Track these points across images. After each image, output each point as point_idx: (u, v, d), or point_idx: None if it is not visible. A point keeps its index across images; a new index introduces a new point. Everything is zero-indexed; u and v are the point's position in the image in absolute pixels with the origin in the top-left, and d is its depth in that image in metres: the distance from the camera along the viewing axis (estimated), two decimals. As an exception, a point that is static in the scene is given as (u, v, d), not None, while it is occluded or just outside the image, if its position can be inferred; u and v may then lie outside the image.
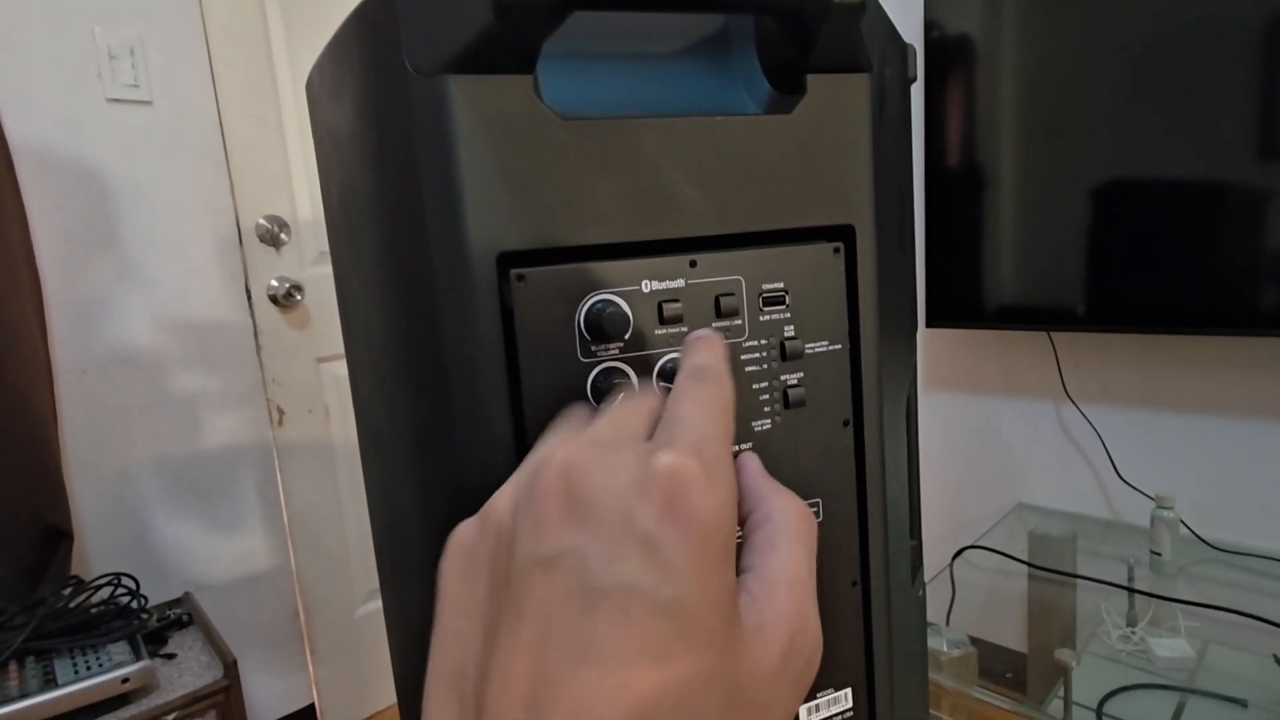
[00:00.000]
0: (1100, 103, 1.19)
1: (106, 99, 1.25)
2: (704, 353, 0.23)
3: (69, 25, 1.22)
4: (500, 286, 0.28)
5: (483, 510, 0.20)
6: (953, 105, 1.34)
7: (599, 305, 0.29)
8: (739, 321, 0.31)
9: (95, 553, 1.29)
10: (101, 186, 1.27)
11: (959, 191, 1.35)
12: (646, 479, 0.17)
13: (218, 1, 1.36)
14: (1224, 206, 1.10)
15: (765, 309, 0.32)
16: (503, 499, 0.20)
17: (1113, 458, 1.35)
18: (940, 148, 1.36)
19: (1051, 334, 1.38)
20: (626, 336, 0.29)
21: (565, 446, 0.19)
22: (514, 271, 0.28)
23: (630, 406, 0.23)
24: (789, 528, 0.20)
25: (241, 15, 1.40)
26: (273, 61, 1.44)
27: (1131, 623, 1.10)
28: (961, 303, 1.37)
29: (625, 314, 0.29)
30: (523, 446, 0.29)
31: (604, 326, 0.28)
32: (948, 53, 1.34)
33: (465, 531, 0.21)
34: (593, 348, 0.29)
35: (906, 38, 0.42)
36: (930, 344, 1.56)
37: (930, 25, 1.34)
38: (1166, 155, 1.14)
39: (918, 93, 1.37)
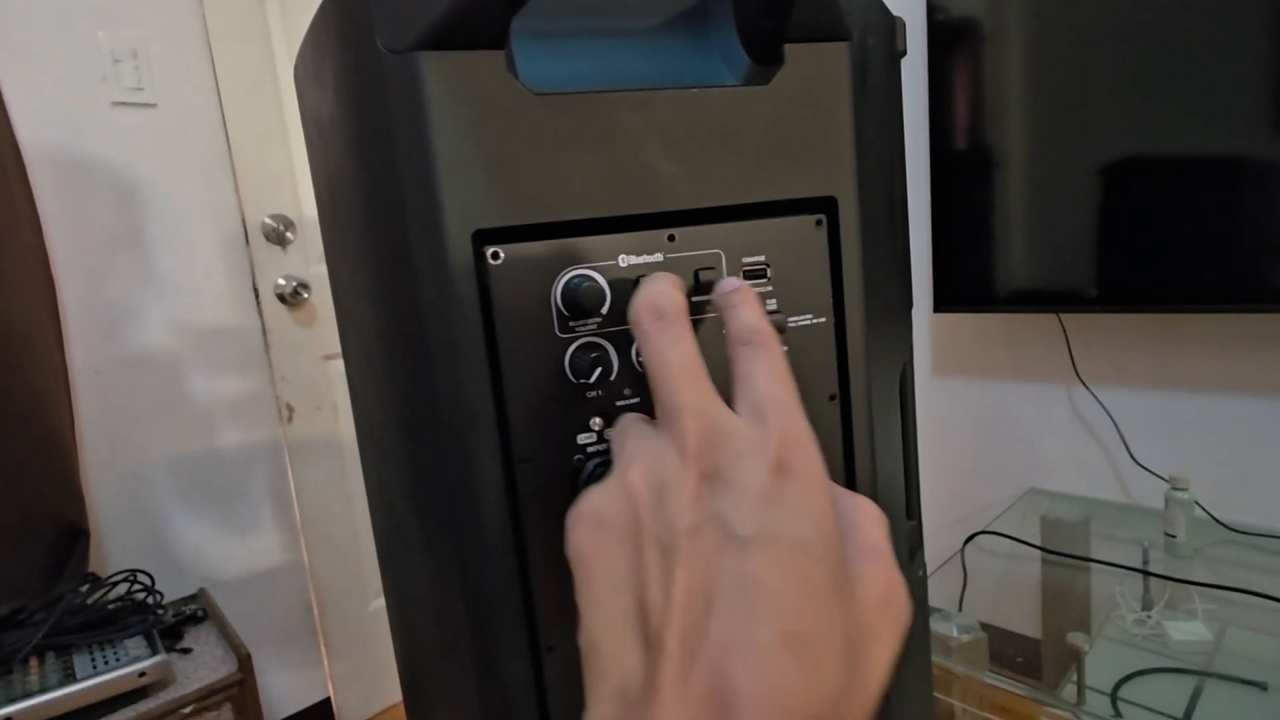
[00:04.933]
0: (1108, 78, 1.17)
1: (111, 103, 1.27)
2: (747, 311, 0.25)
3: (74, 29, 1.23)
4: (477, 264, 0.28)
5: (619, 485, 0.23)
6: (958, 87, 1.33)
7: (575, 281, 0.28)
8: (719, 295, 0.31)
9: (112, 550, 1.31)
10: (109, 189, 1.29)
11: (966, 174, 1.34)
12: (761, 452, 0.21)
13: (218, 3, 1.37)
14: (1237, 181, 1.08)
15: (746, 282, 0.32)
16: (634, 476, 0.23)
17: (1126, 440, 1.33)
18: (946, 130, 1.35)
19: (1061, 316, 1.36)
20: (604, 311, 0.29)
21: (685, 435, 0.22)
22: (490, 249, 0.28)
23: (703, 395, 0.24)
24: (869, 515, 0.24)
25: (242, 16, 1.40)
26: (274, 61, 1.45)
27: (1147, 606, 1.09)
28: (970, 287, 1.36)
29: (601, 289, 0.29)
30: (504, 421, 0.29)
31: (580, 302, 0.28)
32: (952, 34, 1.32)
33: (598, 503, 0.23)
34: (570, 323, 0.29)
35: (909, 21, 0.41)
36: (939, 329, 1.55)
37: (934, 8, 1.33)
38: (1177, 130, 1.12)
39: (922, 76, 1.36)
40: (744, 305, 0.26)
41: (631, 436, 0.24)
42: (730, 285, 0.27)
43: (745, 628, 0.19)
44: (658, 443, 0.23)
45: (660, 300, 0.24)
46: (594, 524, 0.23)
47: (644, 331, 0.24)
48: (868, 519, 0.23)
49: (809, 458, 0.22)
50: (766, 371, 0.24)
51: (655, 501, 0.22)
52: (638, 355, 0.29)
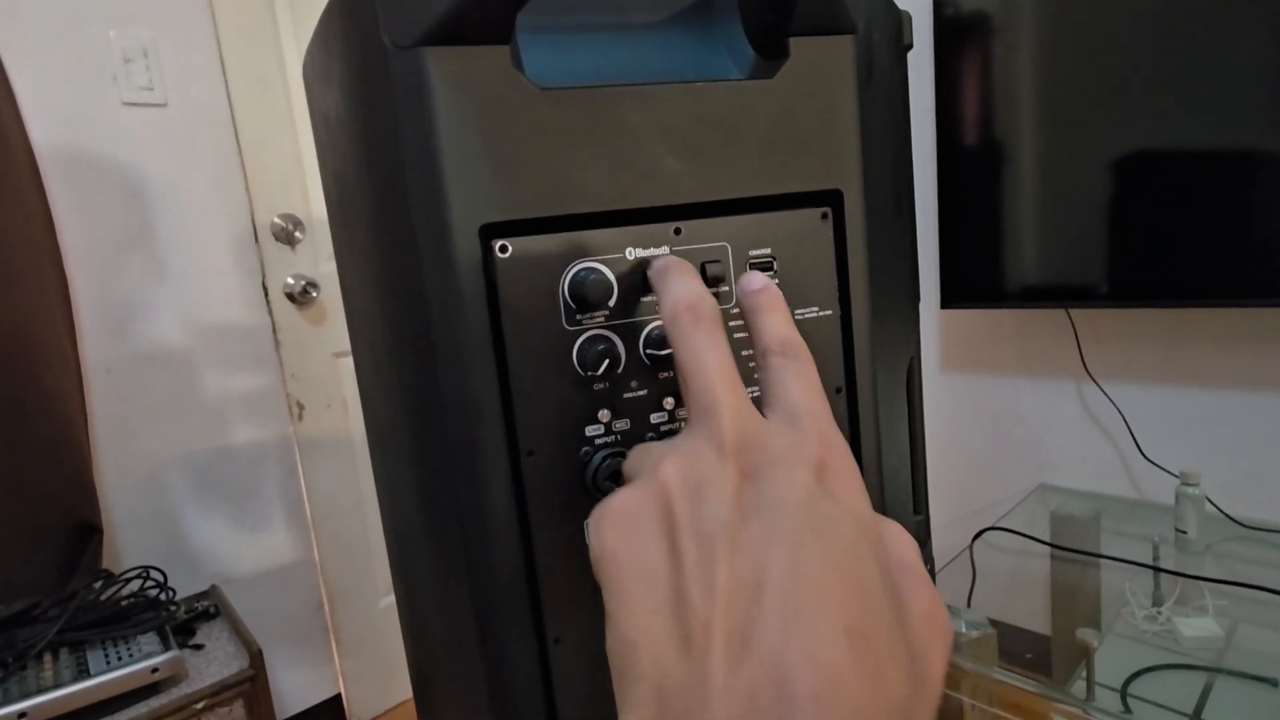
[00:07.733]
0: (1118, 72, 1.16)
1: (122, 102, 1.28)
2: (778, 321, 0.25)
3: (85, 29, 1.24)
4: (484, 257, 0.28)
5: (649, 481, 0.22)
6: (965, 81, 1.32)
7: (582, 273, 0.29)
8: (725, 288, 0.31)
9: (125, 547, 1.33)
10: (121, 188, 1.30)
11: (973, 169, 1.33)
12: (802, 455, 0.21)
13: (228, 3, 1.38)
14: (1248, 175, 1.07)
15: (752, 276, 0.32)
16: (668, 472, 0.21)
17: (1135, 436, 1.33)
18: (953, 125, 1.34)
19: (1070, 311, 1.35)
20: (611, 304, 0.29)
21: (723, 432, 0.21)
22: (497, 243, 0.28)
23: (736, 397, 0.23)
24: (902, 537, 0.23)
25: (252, 16, 1.41)
26: (283, 61, 1.46)
27: (1157, 602, 1.08)
28: (977, 282, 1.35)
29: (609, 281, 0.29)
30: (510, 414, 0.29)
31: (587, 295, 0.28)
32: (959, 27, 1.31)
33: (627, 498, 0.22)
34: (577, 316, 0.29)
35: (916, 14, 0.41)
36: (947, 325, 1.54)
37: (941, 2, 1.32)
38: (1188, 124, 1.11)
39: (928, 70, 1.35)
40: (774, 311, 0.26)
41: (655, 445, 0.24)
42: (757, 283, 0.26)
43: (802, 618, 0.17)
44: (690, 442, 0.22)
45: (698, 302, 0.24)
46: (624, 519, 0.22)
47: (682, 332, 0.24)
48: (902, 540, 0.22)
49: (848, 463, 0.22)
50: (800, 382, 0.24)
51: (692, 496, 0.21)
52: (645, 347, 0.30)
